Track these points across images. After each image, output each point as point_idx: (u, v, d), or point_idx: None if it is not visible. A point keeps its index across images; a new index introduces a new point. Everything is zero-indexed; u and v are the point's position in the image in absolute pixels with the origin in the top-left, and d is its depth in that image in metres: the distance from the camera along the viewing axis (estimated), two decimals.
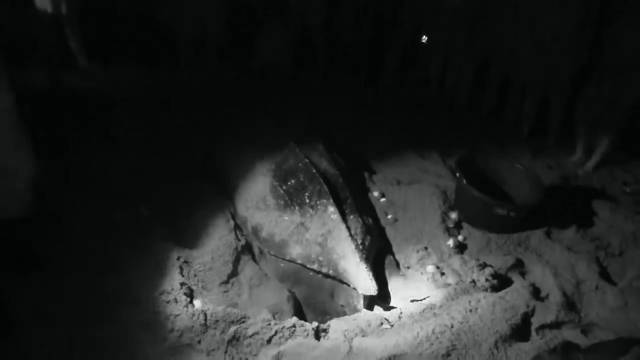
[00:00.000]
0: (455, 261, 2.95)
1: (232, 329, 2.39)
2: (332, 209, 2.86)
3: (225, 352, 2.34)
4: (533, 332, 2.55)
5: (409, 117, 4.53)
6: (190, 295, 2.60)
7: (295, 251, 2.79)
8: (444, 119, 4.56)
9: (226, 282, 2.78)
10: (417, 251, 3.05)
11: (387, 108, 4.65)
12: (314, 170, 3.04)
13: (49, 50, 4.37)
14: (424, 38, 4.93)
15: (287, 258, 2.80)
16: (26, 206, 2.63)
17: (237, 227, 3.04)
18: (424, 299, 2.69)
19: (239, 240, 2.96)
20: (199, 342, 2.38)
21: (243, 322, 2.43)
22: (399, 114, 4.55)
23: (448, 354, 2.33)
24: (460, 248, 3.14)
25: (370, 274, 2.67)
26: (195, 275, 2.74)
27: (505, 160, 3.61)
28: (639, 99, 3.86)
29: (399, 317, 2.56)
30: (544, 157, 4.18)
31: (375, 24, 5.09)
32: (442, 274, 2.91)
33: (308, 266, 2.75)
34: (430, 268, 2.93)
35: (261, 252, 2.95)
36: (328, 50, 5.15)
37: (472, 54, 4.63)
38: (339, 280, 2.71)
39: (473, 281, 2.74)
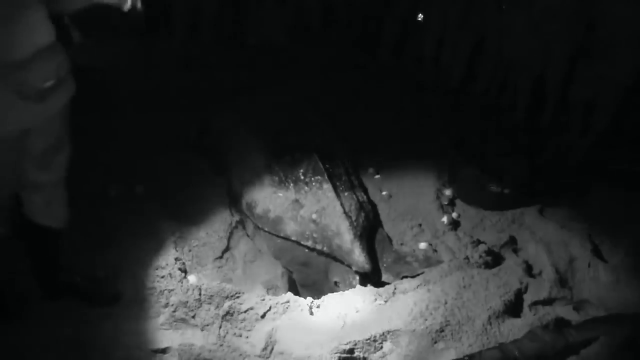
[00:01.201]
0: (449, 238, 2.96)
1: (227, 304, 2.39)
2: (327, 185, 2.86)
3: (220, 327, 2.35)
4: (526, 309, 2.56)
5: (405, 94, 4.50)
6: (185, 270, 2.60)
7: (289, 228, 2.79)
8: (440, 97, 4.53)
9: (220, 257, 2.78)
10: (411, 228, 3.05)
11: (384, 85, 4.62)
12: (309, 147, 3.02)
13: None
14: (420, 15, 4.86)
15: (282, 235, 2.80)
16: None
17: (232, 203, 3.03)
18: (418, 275, 2.70)
19: (233, 216, 2.95)
20: (194, 317, 2.38)
21: (237, 297, 2.43)
22: (395, 91, 4.52)
23: (442, 330, 2.34)
24: (454, 225, 3.14)
25: (364, 251, 2.68)
26: (189, 251, 2.74)
27: (499, 138, 3.60)
28: (632, 77, 3.84)
29: (393, 294, 2.56)
30: (539, 136, 4.17)
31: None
32: (435, 250, 2.92)
33: (302, 243, 2.76)
34: (424, 245, 2.94)
35: (255, 228, 2.94)
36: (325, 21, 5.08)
37: (467, 33, 4.58)
38: (333, 257, 2.72)
39: (467, 258, 2.75)
